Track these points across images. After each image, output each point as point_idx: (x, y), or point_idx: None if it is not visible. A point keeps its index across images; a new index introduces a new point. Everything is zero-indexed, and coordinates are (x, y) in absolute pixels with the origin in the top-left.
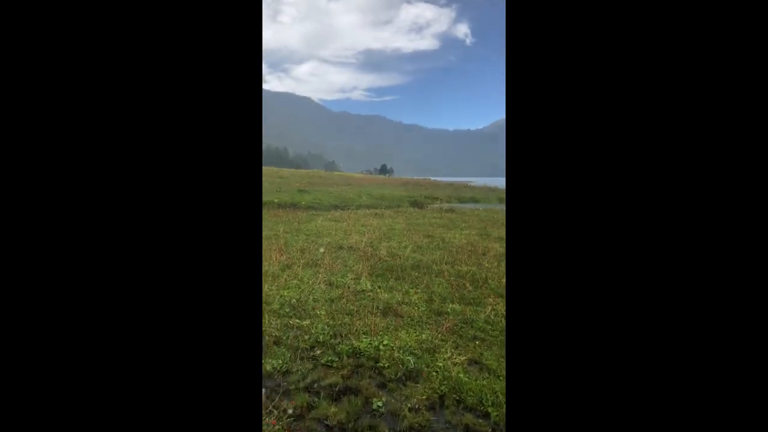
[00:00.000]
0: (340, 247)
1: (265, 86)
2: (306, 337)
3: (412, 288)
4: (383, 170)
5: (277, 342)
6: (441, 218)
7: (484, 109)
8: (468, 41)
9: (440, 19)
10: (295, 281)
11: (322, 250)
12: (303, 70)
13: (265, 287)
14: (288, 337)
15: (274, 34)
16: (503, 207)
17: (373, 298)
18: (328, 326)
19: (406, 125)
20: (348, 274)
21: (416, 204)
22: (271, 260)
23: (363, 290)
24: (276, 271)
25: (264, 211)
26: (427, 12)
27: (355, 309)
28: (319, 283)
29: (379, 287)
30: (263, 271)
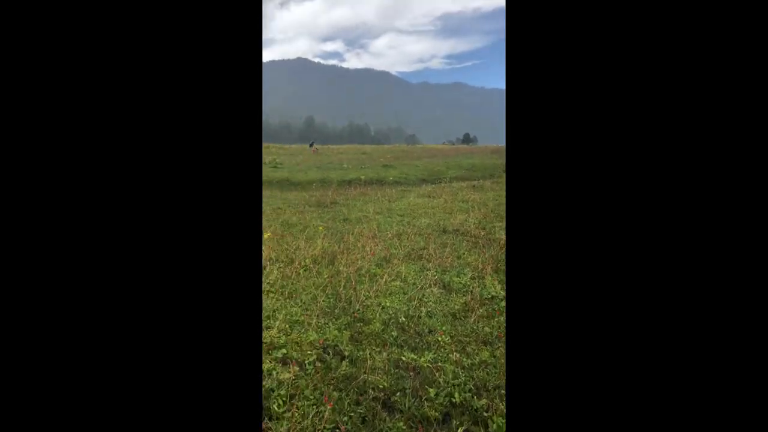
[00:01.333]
0: (444, 231)
1: (343, 64)
2: (432, 393)
3: None
4: (466, 139)
5: (389, 407)
6: None
7: None
8: None
9: None
10: (397, 282)
11: (421, 242)
12: (380, 43)
13: (362, 292)
14: (404, 395)
15: (351, 10)
16: None
17: None
18: (462, 369)
19: (488, 90)
20: (465, 271)
21: None
22: (365, 251)
23: (493, 297)
24: (372, 268)
25: (351, 189)
26: None
27: (491, 330)
28: (430, 286)
29: None
30: (358, 269)
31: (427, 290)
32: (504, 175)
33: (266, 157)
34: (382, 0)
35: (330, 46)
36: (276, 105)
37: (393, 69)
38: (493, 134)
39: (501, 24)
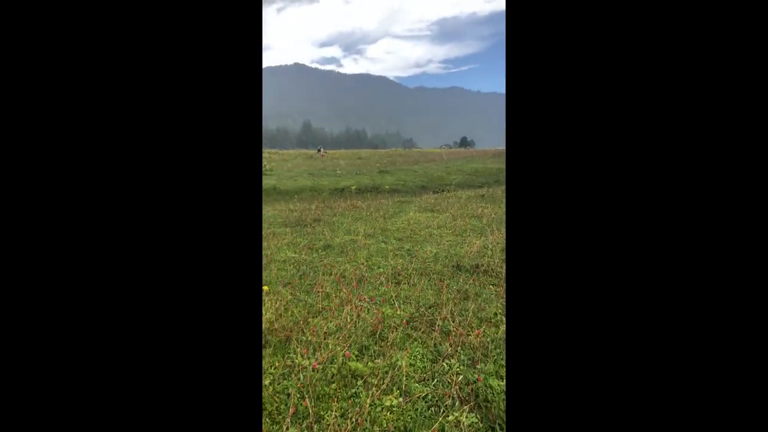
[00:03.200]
0: (459, 267)
1: (340, 70)
2: None
3: None
4: (463, 143)
5: None
6: None
7: None
8: None
9: None
10: (392, 400)
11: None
12: (377, 49)
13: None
14: None
15: (348, 16)
16: None
17: None
18: None
19: (485, 94)
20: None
21: None
22: (342, 317)
23: None
24: (351, 361)
25: (340, 201)
26: None
27: None
28: (455, 403)
29: None
30: (326, 360)
31: (451, 417)
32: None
33: None
34: (378, 5)
35: (327, 52)
36: (273, 110)
37: (390, 74)
38: (491, 138)
39: (496, 28)
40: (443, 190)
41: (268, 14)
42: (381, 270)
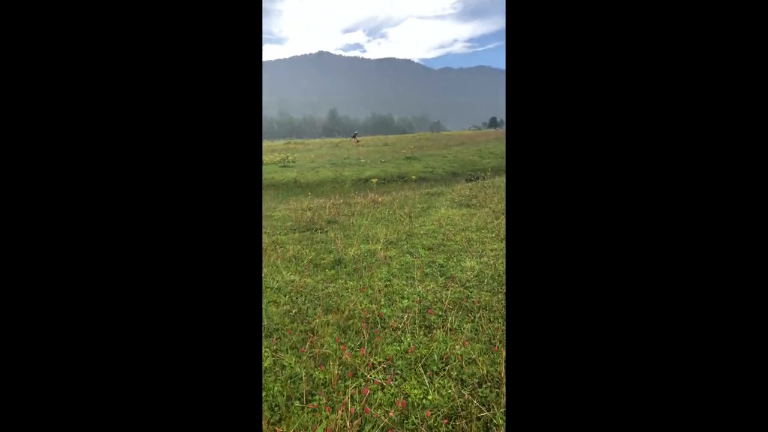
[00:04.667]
0: None
1: (364, 55)
2: None
3: None
4: (492, 123)
5: None
6: None
7: None
8: None
9: None
10: None
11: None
12: (401, 31)
13: None
14: None
15: (370, 1)
16: None
17: None
18: None
19: None
20: None
21: None
22: (338, 402)
23: None
24: None
25: (361, 196)
26: None
27: None
28: None
29: None
30: None
31: None
32: None
33: (278, 156)
34: None
35: (351, 38)
36: (299, 100)
37: (415, 56)
38: None
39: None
40: (478, 178)
41: (291, 3)
42: (405, 303)
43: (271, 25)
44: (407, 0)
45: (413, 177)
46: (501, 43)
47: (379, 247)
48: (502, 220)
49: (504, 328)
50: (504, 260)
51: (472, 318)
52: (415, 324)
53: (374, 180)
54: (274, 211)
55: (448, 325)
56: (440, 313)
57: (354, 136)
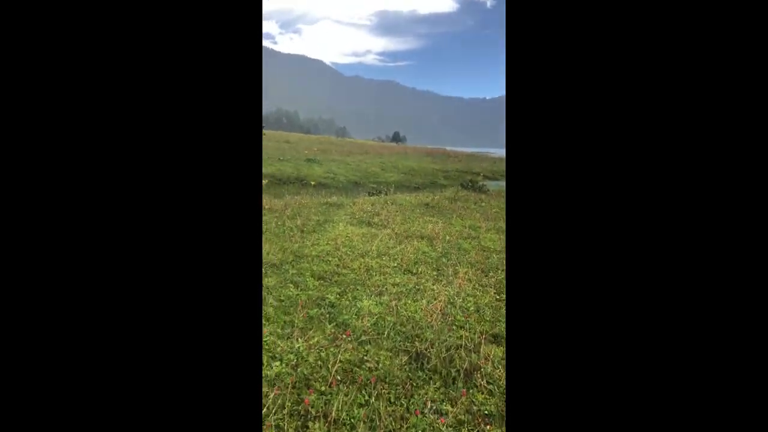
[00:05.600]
0: (428, 369)
1: (276, 47)
2: None
3: None
4: (396, 138)
5: None
6: None
7: (500, 77)
8: (489, 4)
9: None
10: None
11: None
12: (315, 30)
13: None
14: None
15: None
16: None
17: None
18: None
19: (419, 92)
20: None
21: (470, 185)
22: None
23: None
24: None
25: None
26: None
27: None
28: None
29: None
30: None
31: None
32: (447, 185)
33: None
34: None
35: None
36: None
37: (327, 58)
38: (423, 136)
39: (435, 28)
40: (380, 192)
41: None
42: (276, 369)
43: None
44: (325, 1)
45: (312, 182)
46: (411, 63)
47: (266, 269)
48: (406, 245)
49: (412, 415)
50: (407, 300)
51: (367, 399)
52: (283, 409)
53: (265, 181)
54: None
55: (333, 414)
56: (322, 390)
57: None
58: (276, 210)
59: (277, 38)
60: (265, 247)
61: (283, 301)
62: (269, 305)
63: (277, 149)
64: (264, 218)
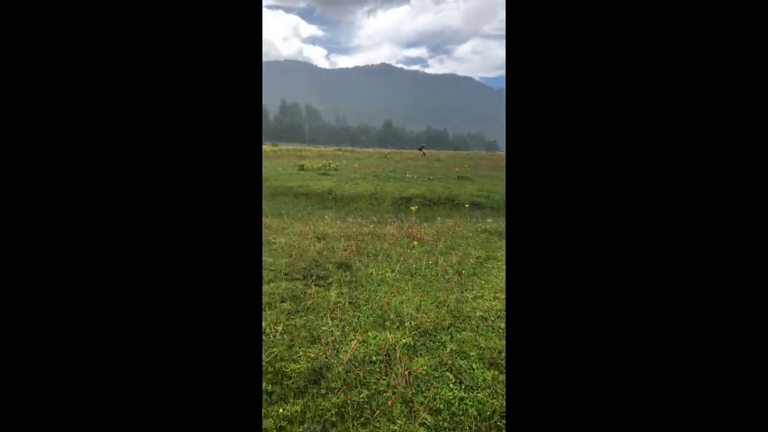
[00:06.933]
0: None
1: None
2: None
3: None
4: None
5: None
6: None
7: None
8: None
9: None
10: None
11: None
12: (465, 49)
13: None
14: None
15: (436, 15)
16: None
17: None
18: None
19: None
20: None
21: None
22: None
23: None
24: None
25: (392, 228)
26: None
27: None
28: None
29: None
30: None
31: None
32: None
33: (320, 162)
34: (469, 5)
35: (414, 52)
36: (356, 109)
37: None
38: None
39: None
40: None
41: (359, 17)
42: None
43: (339, 35)
44: (474, 19)
45: (464, 199)
46: None
47: (402, 342)
48: None
49: None
50: None
51: None
52: None
53: (414, 207)
54: (280, 234)
55: None
56: None
57: (421, 149)
58: (427, 242)
59: (428, 61)
60: (412, 299)
61: (434, 408)
62: (418, 409)
63: (427, 167)
64: (412, 252)
